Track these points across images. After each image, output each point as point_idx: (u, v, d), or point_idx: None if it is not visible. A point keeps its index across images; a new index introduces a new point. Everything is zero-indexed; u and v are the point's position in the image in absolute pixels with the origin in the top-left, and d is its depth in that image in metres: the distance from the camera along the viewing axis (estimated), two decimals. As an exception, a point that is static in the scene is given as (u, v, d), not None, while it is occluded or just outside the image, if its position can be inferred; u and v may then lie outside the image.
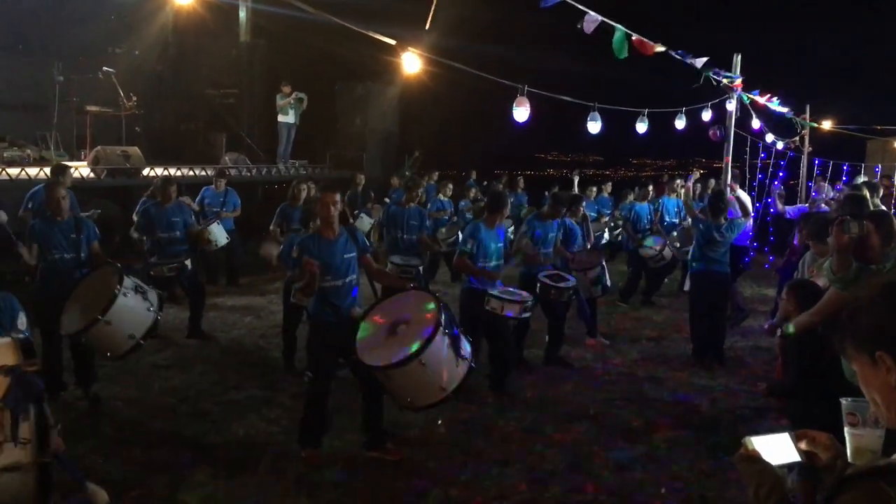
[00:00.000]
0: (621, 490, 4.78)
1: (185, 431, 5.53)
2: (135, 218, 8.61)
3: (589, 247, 8.67)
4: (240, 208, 10.54)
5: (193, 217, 8.56)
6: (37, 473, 2.52)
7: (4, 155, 11.02)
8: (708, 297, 7.62)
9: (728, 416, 6.15)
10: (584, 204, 8.84)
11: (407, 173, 13.84)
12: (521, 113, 7.54)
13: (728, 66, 10.63)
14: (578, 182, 10.88)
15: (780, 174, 14.13)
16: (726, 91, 10.77)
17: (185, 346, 7.76)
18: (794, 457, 1.95)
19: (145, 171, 11.73)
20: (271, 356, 7.53)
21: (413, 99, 18.23)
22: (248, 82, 16.22)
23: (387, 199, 12.37)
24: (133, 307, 5.45)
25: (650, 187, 11.58)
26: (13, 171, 10.13)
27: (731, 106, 10.92)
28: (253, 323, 8.87)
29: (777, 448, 1.96)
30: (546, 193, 11.51)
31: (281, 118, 14.86)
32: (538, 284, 7.19)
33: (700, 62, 8.92)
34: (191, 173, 12.05)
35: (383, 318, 4.88)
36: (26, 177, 10.14)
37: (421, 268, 8.76)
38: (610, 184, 14.08)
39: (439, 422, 5.47)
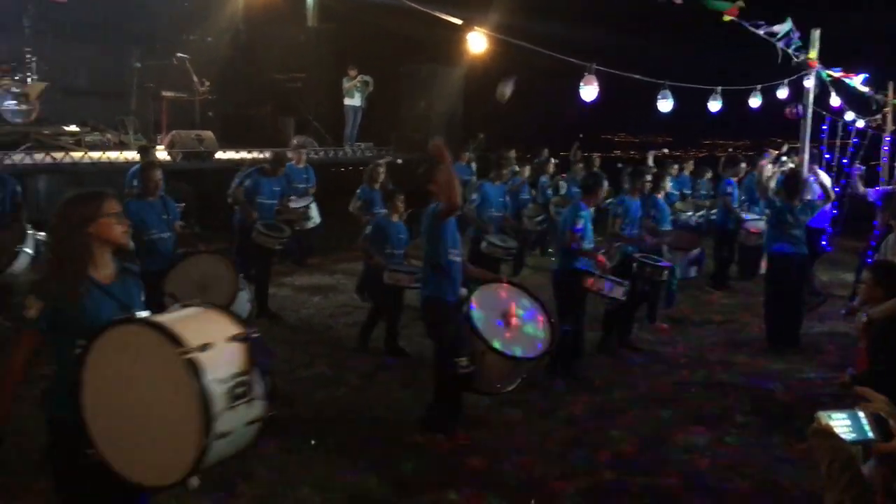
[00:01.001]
0: (692, 474, 4.71)
1: (257, 406, 5.68)
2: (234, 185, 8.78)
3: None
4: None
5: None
6: (263, 427, 2.77)
7: (87, 139, 11.48)
8: (784, 280, 7.39)
9: (803, 403, 5.96)
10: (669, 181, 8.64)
11: (469, 154, 13.75)
12: (590, 92, 7.44)
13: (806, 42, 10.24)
14: (654, 161, 10.64)
15: (861, 154, 13.52)
16: (804, 68, 10.39)
17: (256, 325, 7.94)
18: (869, 434, 1.90)
19: (218, 155, 12.05)
20: (340, 335, 7.67)
21: (478, 80, 18.10)
22: (315, 66, 16.43)
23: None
24: (244, 301, 5.92)
25: (742, 165, 11.01)
26: (95, 155, 10.56)
27: (809, 83, 10.53)
28: (321, 303, 9.03)
29: (852, 425, 1.91)
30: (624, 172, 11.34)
31: (347, 101, 15.03)
32: (634, 263, 7.12)
33: (778, 28, 8.62)
34: (261, 156, 12.29)
35: (485, 308, 4.99)
36: (107, 160, 10.56)
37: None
38: (692, 162, 13.46)
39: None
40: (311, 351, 7.10)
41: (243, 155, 12.43)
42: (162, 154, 11.25)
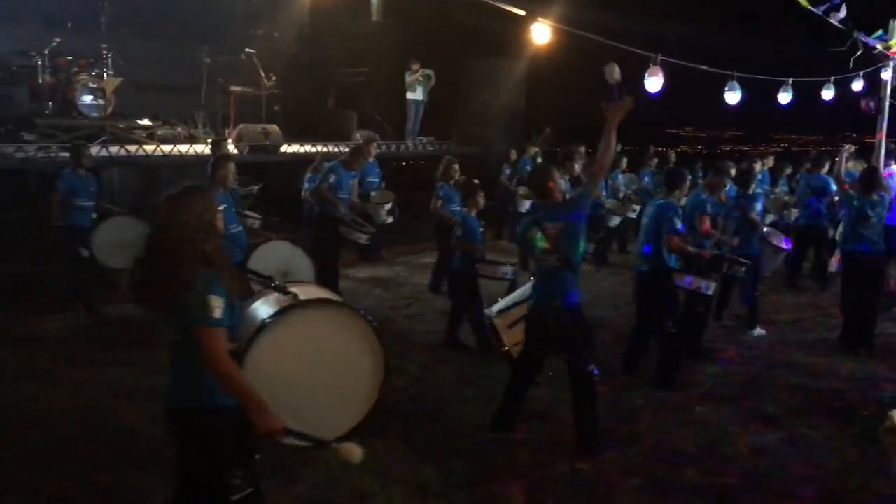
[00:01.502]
0: (754, 474, 4.60)
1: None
2: (306, 182, 8.82)
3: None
4: None
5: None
6: None
7: (159, 133, 11.85)
8: (860, 279, 7.13)
9: (875, 406, 5.75)
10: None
11: (535, 149, 13.67)
12: (655, 83, 7.30)
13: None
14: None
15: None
16: (881, 59, 9.99)
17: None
18: None
19: (283, 148, 12.29)
20: (400, 327, 7.76)
21: (541, 73, 17.99)
22: (379, 60, 16.56)
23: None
24: None
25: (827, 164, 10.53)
26: (166, 148, 10.90)
27: (886, 75, 10.11)
28: (382, 294, 9.14)
29: None
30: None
31: (409, 95, 15.11)
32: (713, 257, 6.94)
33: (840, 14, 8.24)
34: (325, 149, 12.49)
35: None
36: (178, 153, 10.90)
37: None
38: (771, 158, 12.94)
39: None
40: (372, 342, 7.18)
41: (307, 149, 12.63)
42: (229, 147, 11.52)
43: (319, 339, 3.21)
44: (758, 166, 11.49)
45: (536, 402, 5.51)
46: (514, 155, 13.40)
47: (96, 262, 7.65)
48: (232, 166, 6.28)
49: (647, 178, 12.48)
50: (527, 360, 5.09)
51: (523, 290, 5.75)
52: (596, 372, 4.79)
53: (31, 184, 9.49)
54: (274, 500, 4.10)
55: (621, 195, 11.76)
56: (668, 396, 5.89)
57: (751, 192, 7.52)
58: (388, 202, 9.47)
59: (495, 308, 5.90)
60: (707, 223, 6.69)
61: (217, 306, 2.81)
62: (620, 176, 12.14)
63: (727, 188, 7.37)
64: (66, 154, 9.54)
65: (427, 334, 7.42)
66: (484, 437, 5.01)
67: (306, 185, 9.86)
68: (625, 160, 12.59)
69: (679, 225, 6.00)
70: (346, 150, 11.25)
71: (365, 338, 3.31)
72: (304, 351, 3.19)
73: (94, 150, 9.92)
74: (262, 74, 12.92)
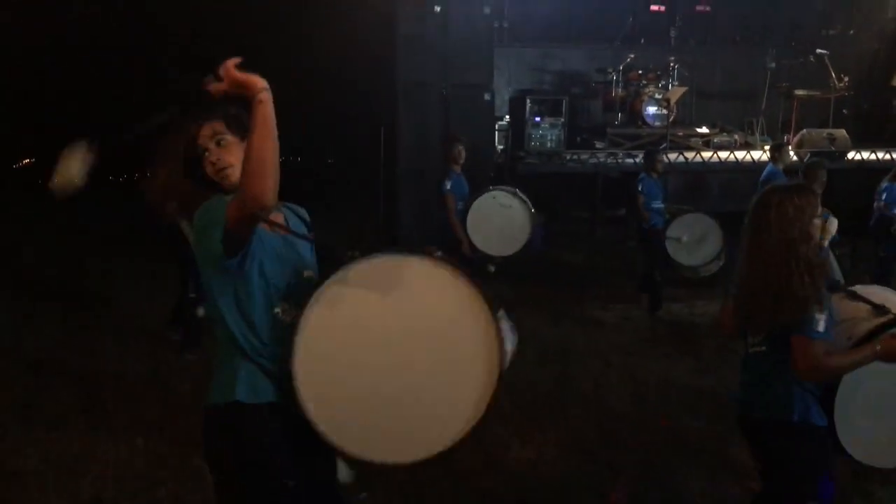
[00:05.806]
0: None
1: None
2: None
3: None
4: None
5: None
6: None
7: (715, 140, 11.96)
8: None
9: None
10: None
11: None
12: None
13: None
14: None
15: None
16: None
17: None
18: None
19: (850, 155, 11.17)
20: None
21: None
22: None
23: None
24: None
25: None
26: (722, 155, 10.94)
27: None
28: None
29: None
30: None
31: None
32: None
33: None
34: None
35: None
36: (734, 160, 10.84)
37: None
38: None
39: None
40: None
41: (882, 156, 11.23)
42: (790, 153, 10.96)
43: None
44: None
45: None
46: None
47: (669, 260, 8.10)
48: (823, 175, 6.48)
49: None
50: None
51: None
52: None
53: (599, 187, 10.55)
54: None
55: None
56: None
57: None
58: None
59: None
60: None
61: (820, 318, 2.59)
62: None
63: None
64: (630, 161, 10.39)
65: None
66: None
67: (883, 196, 8.62)
68: None
69: None
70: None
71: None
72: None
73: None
74: (833, 76, 11.92)
